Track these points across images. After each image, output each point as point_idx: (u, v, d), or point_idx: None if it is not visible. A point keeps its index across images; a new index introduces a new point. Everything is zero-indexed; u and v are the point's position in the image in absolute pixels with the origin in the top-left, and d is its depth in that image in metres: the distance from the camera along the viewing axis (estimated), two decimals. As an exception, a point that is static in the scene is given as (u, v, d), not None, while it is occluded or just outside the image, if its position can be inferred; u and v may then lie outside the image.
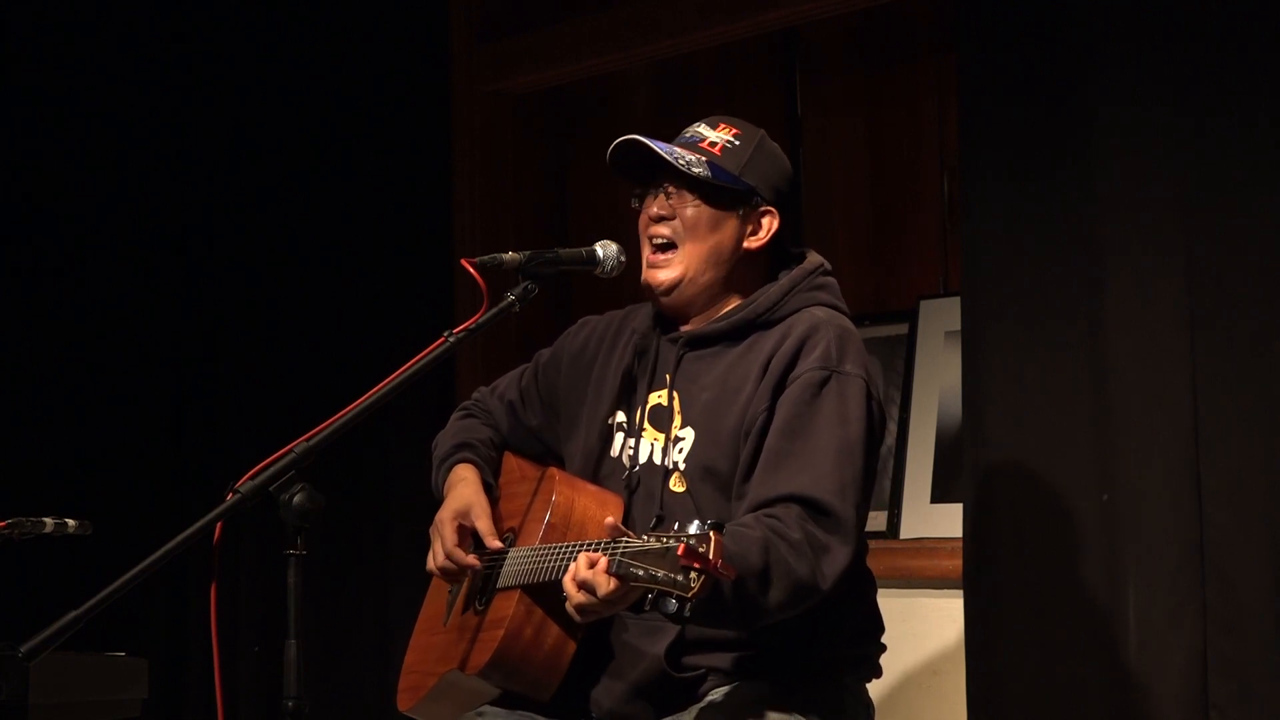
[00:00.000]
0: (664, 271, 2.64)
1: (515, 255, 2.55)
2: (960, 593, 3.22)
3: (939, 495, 3.60)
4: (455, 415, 2.97)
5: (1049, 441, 3.09)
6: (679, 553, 2.09)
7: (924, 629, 3.49)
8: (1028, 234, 3.15)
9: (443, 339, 2.47)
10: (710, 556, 2.10)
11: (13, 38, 4.67)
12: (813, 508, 2.42)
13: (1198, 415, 2.90)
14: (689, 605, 2.11)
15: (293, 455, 2.31)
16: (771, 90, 4.17)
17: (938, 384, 3.66)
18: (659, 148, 2.59)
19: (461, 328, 2.48)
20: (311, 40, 4.54)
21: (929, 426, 3.66)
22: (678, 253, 2.63)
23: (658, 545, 2.13)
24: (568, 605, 2.31)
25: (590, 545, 2.36)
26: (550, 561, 2.50)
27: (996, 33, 3.20)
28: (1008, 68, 3.18)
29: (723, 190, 2.62)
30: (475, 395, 3.01)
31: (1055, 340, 3.10)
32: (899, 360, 3.75)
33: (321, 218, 4.51)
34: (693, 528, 2.12)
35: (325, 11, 4.52)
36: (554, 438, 2.88)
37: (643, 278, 2.68)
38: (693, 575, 2.10)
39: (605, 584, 2.22)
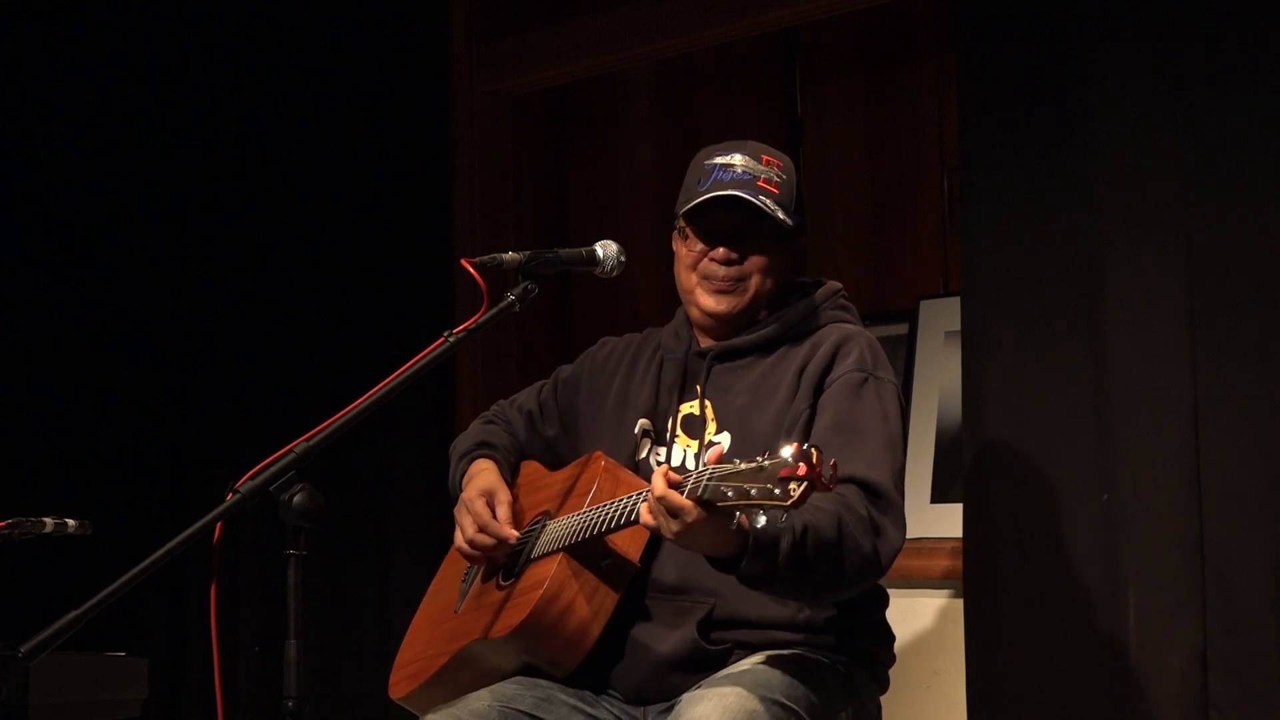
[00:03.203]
0: (733, 299, 2.70)
1: (515, 255, 2.55)
2: (960, 593, 3.22)
3: (939, 495, 3.60)
4: (476, 421, 3.03)
5: (1049, 441, 3.09)
6: (785, 469, 2.05)
7: (924, 629, 3.49)
8: (1028, 233, 3.15)
9: (443, 339, 2.47)
10: (817, 465, 2.07)
11: (15, 37, 4.67)
12: (871, 491, 2.48)
13: (1198, 415, 2.90)
14: (785, 515, 2.08)
15: (293, 455, 2.30)
16: (771, 90, 4.17)
17: (938, 384, 3.66)
18: (750, 195, 2.62)
19: (461, 328, 2.48)
20: (311, 40, 4.54)
21: (929, 426, 3.66)
22: (746, 283, 2.70)
23: (751, 466, 2.12)
24: (650, 520, 2.29)
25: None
26: (608, 512, 2.50)
27: (996, 32, 3.20)
28: (1008, 66, 3.18)
29: (790, 232, 2.69)
30: (495, 407, 3.06)
31: (1055, 340, 3.10)
32: (899, 360, 3.75)
33: (321, 218, 4.51)
34: (786, 451, 2.10)
35: (325, 12, 4.52)
36: (568, 451, 2.92)
37: (702, 304, 2.71)
38: (792, 485, 2.07)
39: (690, 509, 2.22)
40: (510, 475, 2.88)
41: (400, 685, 2.82)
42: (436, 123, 4.36)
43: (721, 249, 2.69)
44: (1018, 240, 3.16)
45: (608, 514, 2.50)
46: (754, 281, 2.69)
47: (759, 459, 2.12)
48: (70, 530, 3.00)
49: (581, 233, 4.02)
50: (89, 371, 4.67)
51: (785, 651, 2.57)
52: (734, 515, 2.18)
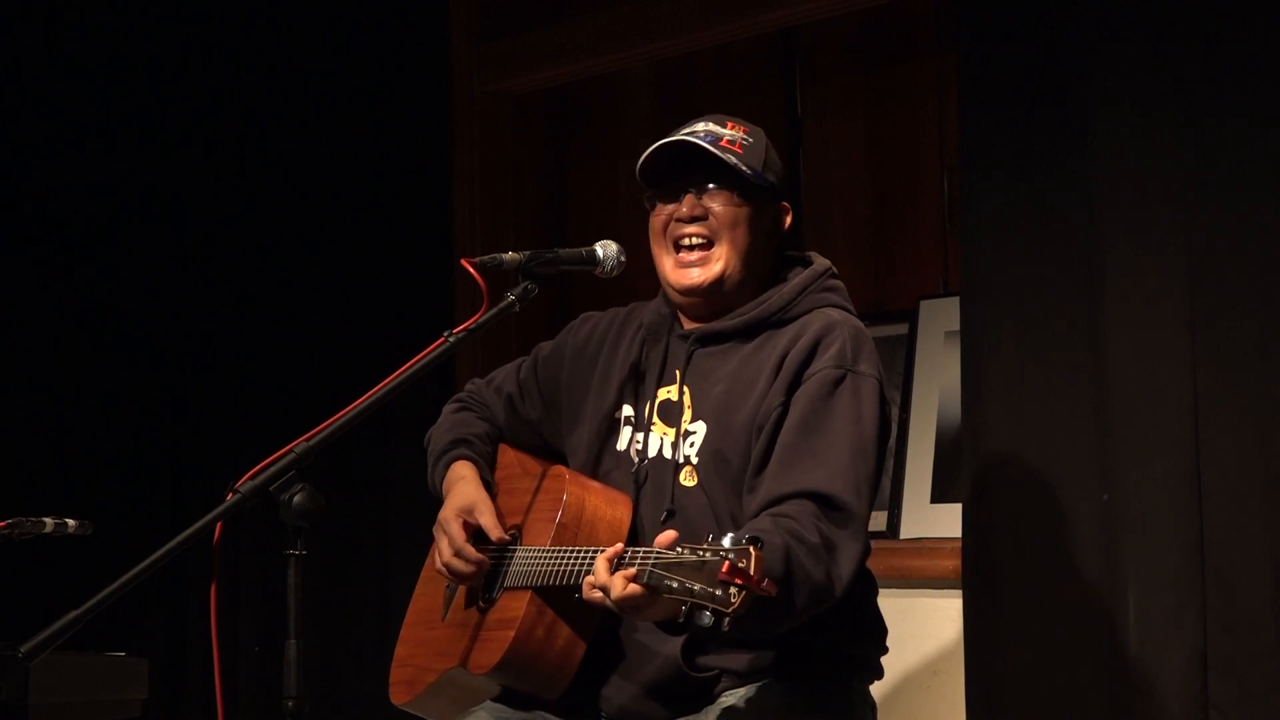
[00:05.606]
0: (702, 270, 2.61)
1: (515, 255, 2.55)
2: (960, 593, 3.22)
3: (939, 495, 3.59)
4: (449, 408, 2.96)
5: (1049, 441, 3.09)
6: (723, 570, 2.06)
7: (924, 629, 3.49)
8: (1028, 233, 3.15)
9: (443, 339, 2.48)
10: (753, 573, 2.07)
11: (15, 37, 4.67)
12: (827, 504, 2.42)
13: (1198, 415, 2.90)
14: (727, 619, 2.08)
15: (293, 455, 2.31)
16: (771, 90, 4.17)
17: (938, 384, 3.66)
18: (705, 143, 2.55)
19: (461, 328, 2.48)
20: (311, 40, 4.54)
21: (929, 426, 3.66)
22: (715, 250, 2.60)
23: (693, 558, 2.11)
24: (590, 596, 2.27)
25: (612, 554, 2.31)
26: (565, 564, 2.48)
27: (996, 32, 3.20)
28: (1008, 67, 3.18)
29: (757, 188, 2.61)
30: (469, 387, 2.99)
31: (1055, 340, 3.10)
32: (899, 360, 3.75)
33: (321, 218, 4.51)
34: (728, 541, 2.10)
35: (325, 12, 4.52)
36: (553, 431, 2.87)
37: (671, 279, 2.64)
38: (733, 591, 2.07)
39: (624, 589, 2.19)
40: (490, 468, 2.84)
41: (398, 691, 2.81)
42: (436, 123, 4.36)
43: (686, 203, 2.59)
44: (1018, 240, 3.16)
45: (570, 567, 2.46)
46: (725, 243, 2.59)
47: (702, 552, 2.10)
48: (70, 530, 3.00)
49: (581, 233, 4.02)
50: (89, 372, 4.67)
51: (772, 685, 2.53)
52: (679, 606, 2.12)
